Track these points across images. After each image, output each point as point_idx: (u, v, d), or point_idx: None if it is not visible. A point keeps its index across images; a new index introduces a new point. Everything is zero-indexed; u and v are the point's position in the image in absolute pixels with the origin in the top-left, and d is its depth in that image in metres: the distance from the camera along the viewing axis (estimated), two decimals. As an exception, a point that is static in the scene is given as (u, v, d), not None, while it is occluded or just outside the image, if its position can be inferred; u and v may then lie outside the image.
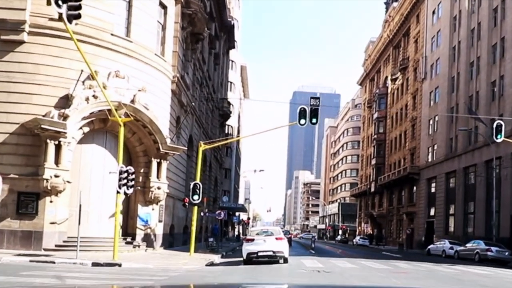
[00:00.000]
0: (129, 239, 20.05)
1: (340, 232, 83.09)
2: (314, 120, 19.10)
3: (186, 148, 21.53)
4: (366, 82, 77.05)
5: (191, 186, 19.03)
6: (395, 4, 64.66)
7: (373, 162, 65.02)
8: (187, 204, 19.48)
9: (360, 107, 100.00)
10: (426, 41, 49.46)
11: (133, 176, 15.46)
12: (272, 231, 18.19)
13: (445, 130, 43.36)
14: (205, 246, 23.43)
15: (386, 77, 65.29)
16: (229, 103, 43.58)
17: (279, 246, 16.65)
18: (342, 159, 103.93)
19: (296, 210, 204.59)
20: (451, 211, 41.92)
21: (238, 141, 69.42)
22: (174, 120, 23.55)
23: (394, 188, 56.95)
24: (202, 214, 22.82)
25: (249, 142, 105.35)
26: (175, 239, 25.00)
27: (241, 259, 17.16)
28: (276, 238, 16.97)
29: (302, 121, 19.12)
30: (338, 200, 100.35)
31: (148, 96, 19.97)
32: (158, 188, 20.38)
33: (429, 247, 34.57)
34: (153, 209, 20.75)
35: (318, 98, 19.28)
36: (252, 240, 16.99)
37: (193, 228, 19.47)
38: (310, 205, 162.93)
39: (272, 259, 16.63)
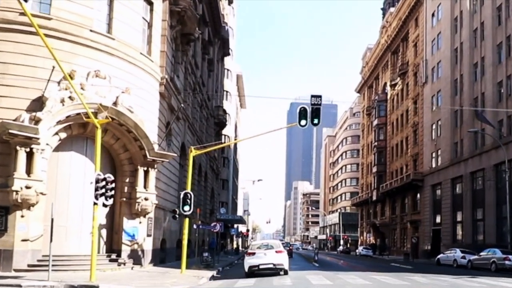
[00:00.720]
0: (113, 256, 18.16)
1: (342, 242, 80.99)
2: (316, 121, 17.43)
3: (176, 155, 19.82)
4: (364, 90, 75.69)
5: (181, 196, 17.22)
6: (392, 9, 63.67)
7: (374, 170, 63.29)
8: (177, 216, 17.66)
9: (358, 116, 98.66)
10: (426, 44, 48.12)
11: (113, 185, 13.69)
12: (272, 244, 18.56)
13: (449, 134, 41.75)
14: (200, 262, 21.54)
15: (385, 83, 63.92)
16: (224, 111, 41.95)
17: (279, 259, 17.21)
18: (341, 168, 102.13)
19: (296, 221, 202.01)
20: (459, 218, 40.10)
21: (235, 151, 67.70)
22: (163, 125, 21.82)
23: (397, 196, 55.15)
24: (195, 226, 20.96)
25: (246, 152, 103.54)
26: (167, 255, 23.09)
27: (239, 276, 16.66)
28: (276, 251, 17.48)
29: (303, 122, 17.48)
30: (339, 210, 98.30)
31: (133, 99, 18.28)
32: (146, 199, 18.56)
33: (438, 256, 32.66)
34: (140, 222, 18.90)
35: (320, 96, 17.55)
36: (253, 253, 17.50)
37: (184, 243, 17.61)
38: (310, 216, 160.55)
39: (273, 271, 17.25)
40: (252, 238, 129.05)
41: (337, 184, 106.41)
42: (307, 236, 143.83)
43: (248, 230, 79.73)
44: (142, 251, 19.11)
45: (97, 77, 17.16)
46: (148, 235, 19.69)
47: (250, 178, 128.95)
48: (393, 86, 59.34)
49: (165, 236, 22.83)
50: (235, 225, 47.56)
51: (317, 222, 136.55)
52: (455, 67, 41.35)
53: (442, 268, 27.63)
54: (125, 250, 18.52)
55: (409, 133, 52.76)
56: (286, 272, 17.29)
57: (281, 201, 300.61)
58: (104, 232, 18.46)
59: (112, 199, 13.78)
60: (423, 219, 47.26)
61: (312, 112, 17.42)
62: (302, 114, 17.44)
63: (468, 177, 37.94)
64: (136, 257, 18.77)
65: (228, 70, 56.38)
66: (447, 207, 41.56)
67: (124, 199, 18.56)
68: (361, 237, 74.97)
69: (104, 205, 13.92)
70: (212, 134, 39.65)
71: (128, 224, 18.56)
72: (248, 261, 17.29)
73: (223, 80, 49.88)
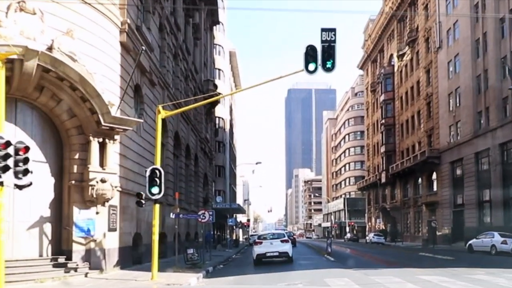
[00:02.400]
0: (62, 260, 13.36)
1: (348, 229, 76.55)
2: (329, 64, 12.56)
3: (141, 121, 14.96)
4: (367, 65, 70.59)
5: (147, 174, 12.35)
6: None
7: (382, 150, 58.46)
8: (143, 201, 12.83)
9: (360, 95, 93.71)
10: (438, 4, 42.96)
11: (27, 154, 8.79)
12: (277, 234, 20.72)
13: (470, 103, 36.84)
14: (184, 260, 16.75)
15: (391, 55, 58.84)
16: (215, 86, 36.87)
17: (284, 247, 18.80)
18: (344, 151, 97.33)
19: (298, 209, 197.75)
20: (486, 197, 35.38)
21: (231, 137, 62.81)
22: (130, 89, 16.85)
23: (409, 176, 50.39)
24: (172, 215, 16.12)
25: (244, 140, 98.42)
26: (144, 254, 18.26)
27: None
28: (281, 241, 19.17)
29: (311, 66, 12.63)
30: (343, 196, 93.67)
31: (78, 45, 13.34)
32: (103, 181, 13.69)
33: (470, 242, 27.94)
34: (97, 213, 14.05)
35: (334, 29, 12.61)
36: (261, 243, 19.15)
37: (155, 237, 12.79)
38: (313, 203, 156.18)
39: (278, 258, 18.72)
40: (253, 229, 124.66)
41: (340, 169, 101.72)
42: (310, 224, 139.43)
43: (248, 220, 75.10)
44: (103, 250, 14.28)
45: (22, 11, 12.20)
46: (111, 229, 14.86)
47: (249, 166, 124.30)
48: (400, 56, 54.25)
49: (141, 230, 18.00)
50: (234, 215, 42.72)
51: (320, 210, 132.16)
52: (476, 25, 36.29)
53: (482, 256, 22.97)
54: (78, 251, 13.71)
55: (421, 107, 47.84)
56: (291, 259, 18.89)
57: (282, 190, 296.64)
58: (48, 227, 13.65)
59: (27, 176, 8.88)
60: (441, 201, 42.55)
61: (324, 52, 12.49)
62: (310, 55, 12.53)
63: (497, 149, 33.12)
64: (94, 260, 13.97)
65: (220, 46, 51.28)
66: (471, 186, 36.80)
67: (74, 182, 13.69)
68: (369, 223, 70.47)
69: (18, 187, 9.04)
70: (202, 112, 34.69)
71: (80, 216, 13.72)
72: (256, 250, 18.77)
73: (213, 54, 44.77)
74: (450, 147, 40.40)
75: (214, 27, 44.30)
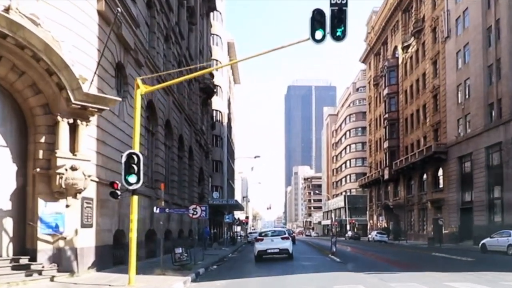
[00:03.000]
0: (24, 260, 11.39)
1: (348, 227, 74.70)
2: (339, 32, 10.54)
3: (119, 99, 12.98)
4: (370, 58, 68.53)
5: (123, 159, 10.36)
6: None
7: (386, 145, 56.49)
8: (118, 192, 10.83)
9: (362, 90, 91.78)
10: (447, -8, 40.95)
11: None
12: (278, 231, 20.93)
13: (481, 94, 34.87)
14: (172, 261, 14.78)
15: (396, 47, 56.79)
16: (212, 76, 34.83)
17: (285, 244, 19.01)
18: (345, 148, 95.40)
19: (297, 207, 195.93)
20: (496, 194, 33.48)
21: (229, 131, 60.82)
22: (111, 66, 14.84)
23: (414, 172, 48.44)
24: (156, 210, 14.11)
25: (243, 136, 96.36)
26: (128, 253, 16.28)
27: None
28: (282, 238, 19.43)
29: (318, 34, 10.62)
30: (343, 193, 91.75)
31: (42, 8, 11.32)
32: (73, 168, 11.71)
33: (484, 241, 26.00)
34: (68, 206, 12.09)
35: (345, -10, 10.60)
36: (262, 239, 19.39)
37: (132, 235, 10.81)
38: (312, 201, 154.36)
39: (279, 255, 18.92)
40: (252, 227, 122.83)
41: (340, 166, 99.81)
42: (310, 222, 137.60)
43: (247, 218, 73.17)
44: (74, 250, 12.31)
45: (-28, -37, 10.18)
46: (86, 226, 12.88)
47: (247, 163, 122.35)
48: (405, 48, 52.24)
49: (124, 227, 16.00)
50: (232, 212, 40.72)
51: (320, 207, 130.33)
52: (488, 12, 34.29)
53: (504, 257, 21.07)
54: (44, 250, 11.74)
55: (427, 100, 45.85)
56: (291, 256, 19.10)
57: (282, 188, 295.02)
58: (8, 222, 11.67)
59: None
60: (447, 198, 40.62)
61: (333, 18, 10.48)
62: (317, 20, 10.52)
63: (509, 143, 31.15)
64: (63, 261, 12.01)
65: (217, 36, 49.23)
66: (481, 182, 34.85)
67: (39, 169, 11.71)
68: (371, 221, 68.59)
69: None
70: (198, 102, 32.68)
71: (47, 209, 11.75)
72: (257, 246, 18.98)
73: (210, 43, 42.72)
74: (458, 141, 38.46)
75: (211, 15, 42.30)
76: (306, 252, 25.48)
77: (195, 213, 16.76)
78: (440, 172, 42.91)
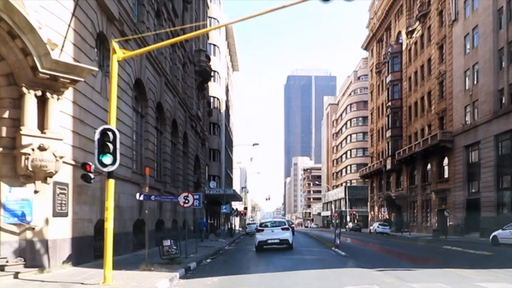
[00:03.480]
0: (-16, 255, 9.85)
1: (349, 218, 73.45)
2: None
3: (95, 69, 11.31)
4: (372, 45, 66.66)
5: (96, 136, 8.77)
6: None
7: (388, 134, 54.92)
8: (92, 174, 9.24)
9: (363, 79, 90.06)
10: (455, -27, 39.09)
11: None
12: (279, 222, 20.90)
13: (490, 80, 33.25)
14: (160, 254, 13.28)
15: (399, 33, 54.99)
16: (208, 58, 33.07)
17: (285, 235, 19.35)
18: (346, 138, 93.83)
19: (297, 198, 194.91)
20: (505, 184, 32.02)
21: (227, 119, 59.17)
22: (89, 34, 13.15)
23: (417, 162, 46.92)
24: (139, 197, 12.52)
25: (242, 127, 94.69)
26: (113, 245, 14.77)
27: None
28: (282, 229, 19.69)
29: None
30: (344, 184, 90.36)
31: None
32: (41, 148, 10.14)
33: (495, 233, 24.54)
34: (36, 192, 10.51)
35: None
36: (262, 230, 19.69)
37: (108, 225, 9.23)
38: (312, 192, 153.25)
39: (279, 245, 19.37)
40: (251, 218, 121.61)
41: (341, 156, 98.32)
42: (309, 213, 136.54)
43: (246, 208, 71.79)
44: (45, 242, 10.76)
45: None
46: (59, 214, 11.32)
47: (246, 153, 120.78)
48: (410, 33, 50.44)
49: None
50: (229, 202, 39.26)
51: (319, 199, 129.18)
52: (499, -8, 32.55)
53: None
54: (8, 242, 10.21)
55: (432, 87, 44.20)
56: (291, 246, 19.48)
57: (281, 179, 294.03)
58: (-33, 210, 10.09)
59: None
60: (453, 188, 39.16)
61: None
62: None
63: (521, 130, 29.69)
64: (32, 254, 10.48)
65: (215, 19, 47.36)
66: (489, 172, 33.37)
67: (2, 149, 10.12)
68: (371, 213, 67.30)
69: None
70: (193, 86, 31.00)
71: (11, 195, 10.19)
72: (258, 237, 19.33)
73: (206, 22, 40.84)
74: (465, 129, 36.90)
75: (209, -4, 40.44)
76: (307, 244, 24.00)
77: (186, 201, 15.19)
78: (445, 161, 41.42)
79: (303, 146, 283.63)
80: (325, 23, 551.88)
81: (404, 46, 52.73)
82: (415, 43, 49.41)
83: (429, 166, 45.35)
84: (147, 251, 11.94)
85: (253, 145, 36.18)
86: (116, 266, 11.12)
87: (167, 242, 12.79)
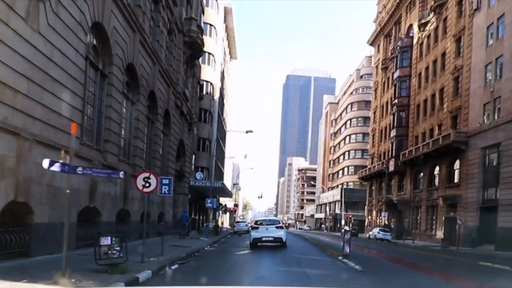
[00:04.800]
0: None
1: (343, 222, 69.70)
2: None
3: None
4: (379, 40, 62.83)
5: None
6: None
7: (393, 134, 51.09)
8: None
9: (366, 78, 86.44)
10: (480, -44, 35.26)
11: None
12: (273, 220, 22.24)
13: (517, 74, 29.47)
14: (95, 257, 9.22)
15: (410, 26, 51.19)
16: (200, 29, 28.92)
17: (279, 233, 19.72)
18: (344, 138, 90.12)
19: (290, 198, 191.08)
20: (529, 192, 28.26)
21: (221, 109, 55.11)
22: None
23: (424, 165, 43.17)
24: (45, 164, 8.01)
25: (238, 122, 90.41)
26: (43, 240, 10.74)
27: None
28: (276, 227, 20.21)
29: None
30: (340, 186, 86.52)
31: None
32: None
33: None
34: None
35: None
36: (257, 228, 20.19)
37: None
38: (305, 193, 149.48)
39: (273, 243, 19.69)
40: (241, 216, 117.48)
41: (338, 157, 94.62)
42: (302, 214, 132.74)
43: (236, 205, 67.81)
44: None
45: None
46: None
47: (240, 149, 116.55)
48: (422, 26, 46.61)
49: (29, 197, 10.29)
50: (216, 196, 35.06)
51: (313, 200, 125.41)
52: (534, -25, 28.76)
53: None
54: None
55: (446, 83, 40.39)
56: (284, 244, 19.80)
57: (274, 179, 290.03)
58: None
59: None
60: (465, 194, 35.34)
61: None
62: None
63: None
64: None
65: (213, -2, 43.39)
66: (510, 177, 29.56)
67: None
68: (369, 217, 63.48)
69: None
70: (181, 60, 26.91)
71: None
72: (253, 234, 19.90)
73: (203, 3, 36.83)
74: (483, 129, 33.10)
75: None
76: (305, 250, 19.98)
77: (147, 185, 11.14)
78: (457, 164, 37.62)
79: (299, 147, 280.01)
80: (326, 23, 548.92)
81: (415, 40, 48.92)
82: (428, 36, 45.60)
83: (437, 169, 41.57)
84: (65, 253, 7.83)
85: (246, 132, 32.15)
86: (27, 271, 7.14)
87: (106, 240, 8.74)
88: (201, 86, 41.07)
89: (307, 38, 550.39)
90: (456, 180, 37.45)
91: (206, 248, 19.61)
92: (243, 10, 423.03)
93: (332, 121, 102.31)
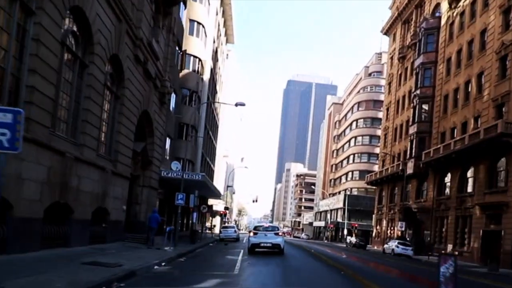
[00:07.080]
0: None
1: (346, 231, 61.93)
2: None
3: None
4: (396, 28, 55.39)
5: None
6: None
7: (412, 130, 43.39)
8: None
9: (375, 75, 79.07)
10: None
11: None
12: (272, 227, 22.47)
13: None
14: None
15: (437, 5, 43.75)
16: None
17: (277, 240, 20.37)
18: (349, 140, 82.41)
19: (286, 205, 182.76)
20: None
21: (213, 94, 47.41)
22: None
23: (453, 165, 35.54)
24: None
25: (235, 125, 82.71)
26: None
27: None
28: (275, 234, 20.90)
29: None
30: (342, 192, 78.67)
31: None
32: None
33: None
34: None
35: None
36: (256, 233, 20.74)
37: None
38: (303, 200, 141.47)
39: (271, 249, 20.18)
40: (234, 221, 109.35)
41: (341, 161, 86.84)
42: (299, 222, 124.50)
43: (227, 208, 59.81)
44: None
45: None
46: None
47: (237, 155, 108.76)
48: (455, 2, 39.15)
49: None
50: (195, 192, 26.90)
51: (311, 207, 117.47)
52: None
53: None
54: None
55: (486, 65, 32.79)
56: (282, 251, 20.30)
57: (271, 184, 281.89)
58: None
59: None
60: (512, 202, 27.66)
61: None
62: None
63: None
64: None
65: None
66: None
67: None
68: (377, 227, 55.56)
69: None
70: (151, 7, 19.18)
71: None
72: (251, 240, 20.32)
73: None
74: (544, 119, 25.45)
75: None
76: (310, 267, 12.29)
77: None
78: (502, 164, 29.94)
79: (297, 153, 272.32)
80: (330, 28, 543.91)
81: (443, 20, 41.44)
82: (461, 13, 38.11)
83: (470, 171, 33.89)
84: None
85: (235, 105, 24.33)
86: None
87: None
88: (186, 58, 33.44)
89: (310, 44, 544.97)
90: (501, 185, 29.74)
91: (154, 269, 11.76)
92: (244, 11, 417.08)
93: (335, 122, 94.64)
